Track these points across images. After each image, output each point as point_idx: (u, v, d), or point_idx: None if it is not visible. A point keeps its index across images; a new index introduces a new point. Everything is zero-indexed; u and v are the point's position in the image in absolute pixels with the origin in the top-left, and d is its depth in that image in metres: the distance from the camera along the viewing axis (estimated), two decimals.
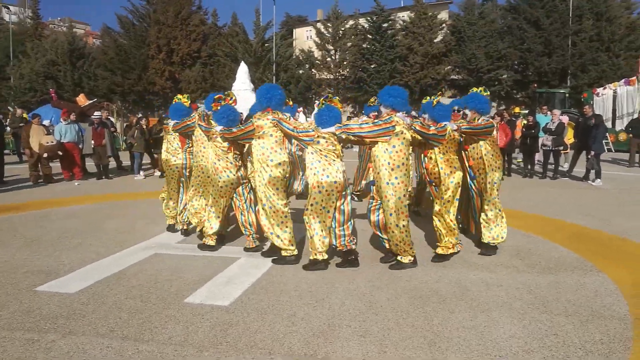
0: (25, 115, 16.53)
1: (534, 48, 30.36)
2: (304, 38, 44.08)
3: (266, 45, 36.78)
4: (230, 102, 5.74)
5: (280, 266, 5.19)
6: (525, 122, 12.53)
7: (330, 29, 35.81)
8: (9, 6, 46.38)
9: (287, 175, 5.30)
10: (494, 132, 5.67)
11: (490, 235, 5.57)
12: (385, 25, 34.55)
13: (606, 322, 3.80)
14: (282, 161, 5.18)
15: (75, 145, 11.74)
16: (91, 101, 16.61)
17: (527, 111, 20.71)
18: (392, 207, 4.86)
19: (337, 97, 5.59)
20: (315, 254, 5.01)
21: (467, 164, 5.60)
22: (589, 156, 11.00)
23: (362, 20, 35.92)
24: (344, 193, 5.00)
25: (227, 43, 36.25)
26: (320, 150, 4.88)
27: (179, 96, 6.73)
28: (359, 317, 3.90)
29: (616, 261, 5.35)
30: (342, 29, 35.72)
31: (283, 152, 5.25)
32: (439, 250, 5.40)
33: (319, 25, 36.87)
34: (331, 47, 35.95)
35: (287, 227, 5.19)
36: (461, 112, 5.71)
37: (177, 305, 4.16)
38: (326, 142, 4.88)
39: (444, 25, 33.90)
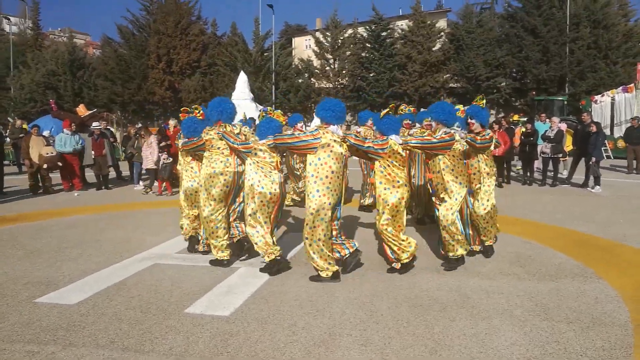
0: (25, 126, 16.58)
1: (532, 56, 30.49)
2: (303, 47, 44.30)
3: (265, 54, 36.97)
4: (198, 115, 6.01)
5: (280, 276, 5.18)
6: (523, 129, 12.56)
7: (329, 38, 36.01)
8: (10, 17, 46.60)
9: (228, 185, 5.52)
10: (457, 146, 5.27)
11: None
12: (384, 34, 34.74)
13: (607, 329, 3.80)
14: (223, 171, 5.46)
15: (75, 156, 11.76)
16: (91, 111, 16.65)
17: (525, 119, 20.79)
18: (308, 219, 4.83)
19: (279, 111, 5.65)
20: (268, 255, 5.19)
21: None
22: (590, 162, 11.01)
23: (360, 29, 36.10)
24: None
25: (227, 52, 36.44)
26: (258, 162, 5.14)
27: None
28: (359, 326, 3.89)
29: (616, 268, 5.35)
30: (341, 38, 35.91)
31: (228, 163, 5.49)
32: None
33: (317, 34, 37.07)
34: (330, 56, 36.12)
35: (217, 236, 5.52)
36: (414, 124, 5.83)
37: (177, 316, 4.15)
38: (263, 153, 5.13)
39: (442, 33, 34.08)
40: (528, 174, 12.41)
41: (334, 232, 5.07)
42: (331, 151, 4.77)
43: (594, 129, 11.15)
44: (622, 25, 29.87)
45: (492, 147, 5.94)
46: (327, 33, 36.22)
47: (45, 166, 11.24)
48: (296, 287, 4.82)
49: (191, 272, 5.41)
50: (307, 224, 4.86)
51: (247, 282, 5.02)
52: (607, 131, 19.92)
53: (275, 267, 5.22)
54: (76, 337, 3.74)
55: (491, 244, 5.88)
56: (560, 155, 12.13)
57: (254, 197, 5.11)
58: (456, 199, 5.23)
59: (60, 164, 11.43)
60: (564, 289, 4.71)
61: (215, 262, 5.59)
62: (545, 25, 30.37)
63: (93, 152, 11.95)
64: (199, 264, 5.67)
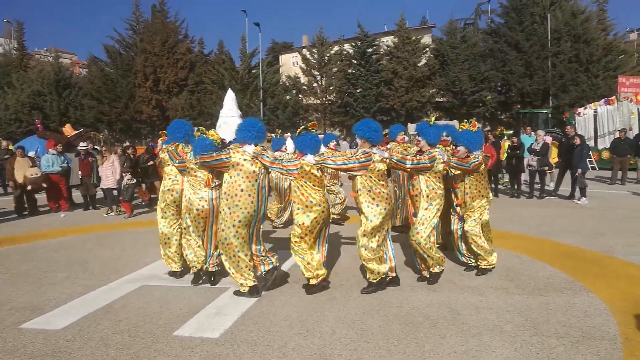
0: (11, 147, 16.39)
1: (515, 70, 31.04)
2: (290, 64, 44.65)
3: (253, 71, 37.17)
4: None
5: (270, 295, 5.14)
6: (508, 143, 12.71)
7: (315, 55, 36.34)
8: None
9: (175, 200, 5.86)
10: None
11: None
12: (369, 50, 35.16)
13: (597, 342, 3.82)
14: (171, 187, 5.92)
15: (61, 177, 11.65)
16: (77, 131, 16.55)
17: (511, 132, 21.07)
18: (220, 236, 5.04)
19: (213, 130, 5.74)
20: (191, 268, 5.62)
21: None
22: (577, 174, 11.14)
23: (347, 46, 36.51)
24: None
25: (214, 70, 36.57)
26: (189, 180, 5.48)
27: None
28: (350, 346, 3.87)
29: (604, 280, 5.40)
30: (328, 54, 36.28)
31: (176, 180, 5.86)
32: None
33: (304, 51, 37.42)
34: (317, 73, 36.42)
35: (169, 246, 5.97)
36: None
37: (166, 339, 4.09)
38: (195, 172, 5.40)
39: (427, 49, 34.59)
40: (515, 186, 12.52)
41: (254, 247, 5.16)
42: (240, 169, 4.90)
43: (577, 141, 11.32)
44: (601, 39, 30.58)
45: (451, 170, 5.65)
46: (314, 50, 36.58)
47: (29, 187, 11.11)
48: (286, 307, 4.79)
49: (180, 293, 5.35)
50: (220, 241, 5.05)
51: (236, 302, 4.97)
52: (591, 143, 20.25)
53: (199, 279, 5.64)
54: None
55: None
56: (547, 167, 12.28)
57: (188, 212, 5.48)
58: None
59: (45, 185, 11.31)
60: (553, 302, 4.73)
61: (170, 273, 5.98)
62: (528, 40, 31.00)
63: (80, 172, 11.84)
64: (187, 285, 5.61)
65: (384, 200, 4.97)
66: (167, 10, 37.97)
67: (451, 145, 6.70)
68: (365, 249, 5.00)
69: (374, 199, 4.94)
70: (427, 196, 5.15)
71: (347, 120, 34.32)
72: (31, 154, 12.53)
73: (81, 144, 12.31)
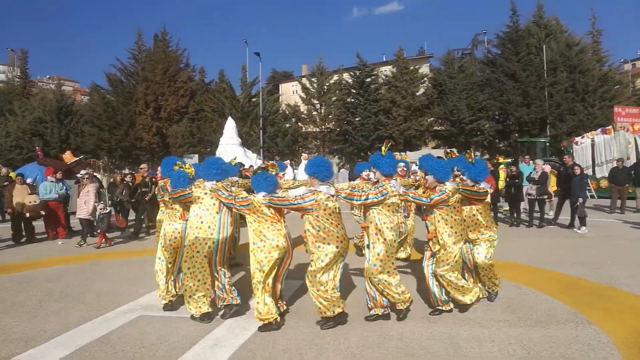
0: (11, 173, 16.39)
1: (513, 99, 31.38)
2: (290, 93, 45.17)
3: (253, 100, 37.52)
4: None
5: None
6: (502, 172, 12.70)
7: (315, 84, 36.76)
8: None
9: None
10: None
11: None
12: (368, 79, 35.59)
13: None
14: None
15: (59, 204, 11.62)
16: (77, 158, 16.62)
17: (510, 160, 21.17)
18: (184, 266, 5.38)
19: (188, 164, 5.81)
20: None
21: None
22: (577, 204, 11.12)
23: (346, 75, 36.97)
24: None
25: (215, 99, 36.91)
26: (167, 212, 5.95)
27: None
28: None
29: (607, 312, 5.33)
30: (327, 84, 36.69)
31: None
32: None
33: (304, 80, 37.85)
34: (316, 102, 36.76)
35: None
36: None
37: None
38: (171, 204, 5.79)
39: (425, 78, 35.04)
40: (515, 215, 12.51)
41: (217, 281, 5.36)
42: (201, 203, 5.28)
43: (578, 171, 11.36)
44: (597, 70, 31.03)
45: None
46: (313, 79, 37.02)
47: (28, 215, 11.07)
48: (285, 339, 4.71)
49: (177, 324, 5.27)
50: (183, 270, 5.37)
51: (234, 334, 4.89)
52: (589, 172, 20.33)
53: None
54: None
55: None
56: (546, 196, 12.29)
57: (162, 241, 5.88)
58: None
59: (43, 212, 11.27)
60: (555, 335, 4.67)
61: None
62: (524, 70, 31.45)
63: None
64: (185, 315, 5.52)
65: (335, 239, 4.84)
66: (169, 39, 38.55)
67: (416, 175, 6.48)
68: (316, 288, 4.90)
69: (324, 238, 4.83)
70: (379, 230, 4.96)
71: (345, 148, 34.49)
72: (29, 180, 12.50)
73: (82, 171, 12.34)
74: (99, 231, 10.60)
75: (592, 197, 19.01)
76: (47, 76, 66.94)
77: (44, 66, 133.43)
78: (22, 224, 11.35)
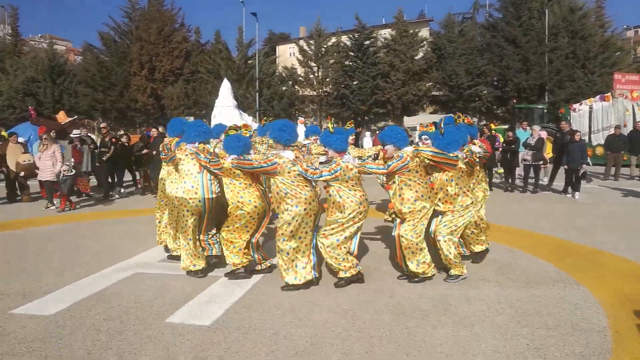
0: (4, 132, 16.24)
1: (512, 65, 31.02)
2: (287, 55, 44.39)
3: (249, 62, 36.93)
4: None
5: (262, 284, 5.15)
6: (487, 132, 12.50)
7: (312, 47, 36.13)
8: None
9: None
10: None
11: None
12: (367, 42, 35.00)
13: (586, 334, 3.84)
14: None
15: None
16: (71, 118, 16.42)
17: (507, 126, 21.11)
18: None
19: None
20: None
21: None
22: (582, 170, 11.12)
23: (344, 38, 36.32)
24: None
25: (210, 60, 36.30)
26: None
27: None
28: (341, 335, 3.88)
29: (595, 274, 5.43)
30: (325, 46, 36.06)
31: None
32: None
33: (301, 42, 37.17)
34: (314, 64, 36.22)
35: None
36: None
37: (157, 326, 4.08)
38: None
39: (424, 42, 34.48)
40: (510, 181, 12.56)
41: (202, 237, 5.56)
42: (182, 164, 5.43)
43: (578, 137, 11.31)
44: (599, 35, 30.58)
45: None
46: (311, 41, 36.34)
47: (22, 174, 11.02)
48: (279, 296, 4.79)
49: (173, 280, 5.34)
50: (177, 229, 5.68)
51: (229, 290, 4.97)
52: (585, 139, 20.30)
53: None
54: (52, 349, 3.66)
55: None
56: (541, 162, 12.31)
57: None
58: None
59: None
60: (544, 295, 4.76)
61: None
62: (525, 35, 30.95)
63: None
64: (180, 273, 5.59)
65: (302, 201, 4.81)
66: None
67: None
68: (284, 253, 4.92)
69: (291, 200, 4.80)
70: (341, 205, 4.88)
71: (342, 113, 34.23)
72: (21, 139, 12.38)
73: (74, 131, 12.21)
74: (59, 193, 10.23)
75: (587, 164, 19.06)
76: (39, 35, 65.50)
77: (35, 24, 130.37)
78: (17, 183, 11.32)
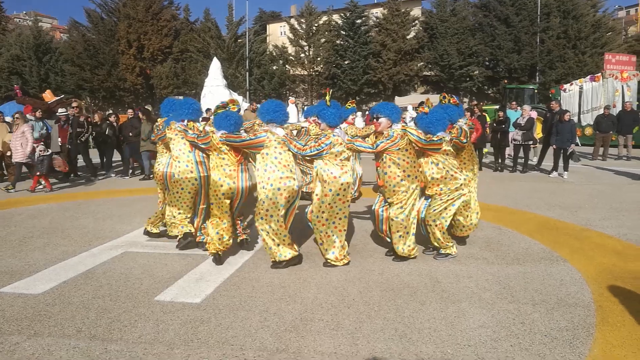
0: None
1: (504, 45, 30.96)
2: (278, 34, 43.87)
3: (239, 41, 36.47)
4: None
5: (252, 262, 5.17)
6: (479, 114, 12.48)
7: (303, 25, 35.72)
8: None
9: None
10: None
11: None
12: (358, 21, 34.68)
13: (571, 309, 3.91)
14: None
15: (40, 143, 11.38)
16: (58, 97, 16.15)
17: (497, 106, 21.13)
18: None
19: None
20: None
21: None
22: (571, 150, 11.17)
23: (335, 17, 35.94)
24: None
25: (199, 39, 35.78)
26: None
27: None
28: (331, 311, 3.91)
29: (581, 251, 5.51)
30: (316, 25, 35.68)
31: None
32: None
33: (292, 21, 36.75)
34: (305, 43, 35.87)
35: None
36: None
37: (147, 304, 4.09)
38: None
39: (416, 22, 34.21)
40: (499, 160, 12.63)
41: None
42: (174, 143, 5.52)
43: (567, 117, 11.33)
44: (590, 15, 30.52)
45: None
46: (302, 20, 35.94)
47: (8, 153, 10.86)
48: (269, 274, 4.81)
49: (162, 259, 5.34)
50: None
51: (219, 269, 4.98)
52: (575, 119, 20.38)
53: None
54: (41, 327, 3.65)
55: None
56: (531, 142, 12.37)
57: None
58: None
59: None
60: (530, 272, 4.83)
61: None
62: (517, 14, 30.83)
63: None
64: (170, 252, 5.59)
65: (277, 180, 4.76)
66: None
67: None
68: (265, 232, 4.88)
69: (269, 178, 4.77)
70: (325, 181, 4.85)
71: (334, 92, 34.03)
72: (8, 119, 12.18)
73: (60, 110, 12.03)
74: (38, 173, 9.88)
75: (576, 144, 19.18)
76: (24, 12, 64.06)
77: (19, 1, 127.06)
78: (3, 163, 11.17)
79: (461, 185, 5.19)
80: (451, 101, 5.84)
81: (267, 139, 4.79)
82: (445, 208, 5.16)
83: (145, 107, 18.23)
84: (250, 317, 3.81)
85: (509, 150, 13.03)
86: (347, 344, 3.38)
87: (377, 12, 35.71)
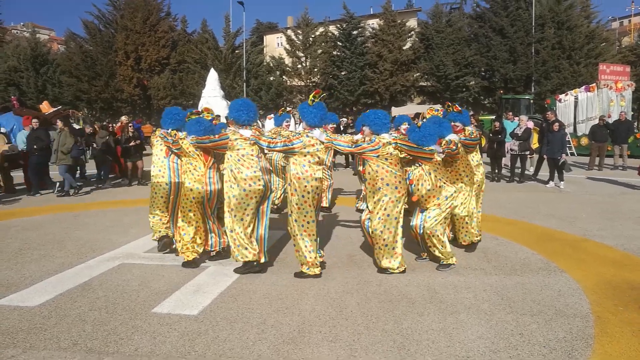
0: None
1: (499, 55, 31.16)
2: (275, 45, 44.11)
3: (236, 51, 36.62)
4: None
5: (250, 274, 5.14)
6: (475, 124, 12.56)
7: (300, 36, 35.91)
8: None
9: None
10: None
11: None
12: (355, 32, 34.88)
13: (569, 320, 3.91)
14: None
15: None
16: (55, 109, 16.14)
17: (493, 117, 21.23)
18: None
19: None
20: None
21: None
22: (562, 160, 11.20)
23: (332, 28, 36.14)
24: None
25: (197, 50, 35.91)
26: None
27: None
28: (329, 323, 3.89)
29: (578, 261, 5.52)
30: (313, 36, 35.86)
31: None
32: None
33: (289, 32, 36.93)
34: (302, 54, 36.03)
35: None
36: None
37: (144, 316, 4.06)
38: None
39: (412, 32, 34.44)
40: (496, 170, 12.66)
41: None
42: (154, 150, 5.84)
43: (556, 127, 11.38)
44: (584, 26, 30.78)
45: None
46: (299, 31, 36.11)
47: (6, 164, 10.84)
48: (266, 285, 4.79)
49: (159, 271, 5.31)
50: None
51: (216, 280, 4.96)
52: (571, 129, 20.52)
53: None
54: (37, 340, 3.62)
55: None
56: (528, 152, 12.43)
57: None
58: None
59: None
60: (528, 282, 4.83)
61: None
62: (512, 25, 31.08)
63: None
64: (167, 263, 5.57)
65: (242, 181, 4.84)
66: None
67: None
68: (231, 231, 4.99)
69: (235, 178, 4.90)
70: (292, 181, 4.85)
71: (331, 103, 34.17)
72: (3, 130, 12.17)
73: (58, 122, 12.00)
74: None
75: (572, 154, 19.28)
76: (21, 23, 64.26)
77: (17, 13, 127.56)
78: (0, 174, 11.13)
79: (455, 192, 5.31)
80: (454, 109, 5.89)
81: (229, 140, 4.95)
82: (445, 218, 5.25)
83: (70, 113, 17.61)
84: (247, 329, 3.79)
85: (505, 160, 13.08)
86: (345, 355, 3.36)
87: (373, 23, 35.96)
